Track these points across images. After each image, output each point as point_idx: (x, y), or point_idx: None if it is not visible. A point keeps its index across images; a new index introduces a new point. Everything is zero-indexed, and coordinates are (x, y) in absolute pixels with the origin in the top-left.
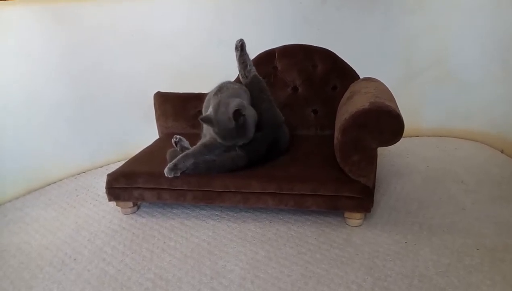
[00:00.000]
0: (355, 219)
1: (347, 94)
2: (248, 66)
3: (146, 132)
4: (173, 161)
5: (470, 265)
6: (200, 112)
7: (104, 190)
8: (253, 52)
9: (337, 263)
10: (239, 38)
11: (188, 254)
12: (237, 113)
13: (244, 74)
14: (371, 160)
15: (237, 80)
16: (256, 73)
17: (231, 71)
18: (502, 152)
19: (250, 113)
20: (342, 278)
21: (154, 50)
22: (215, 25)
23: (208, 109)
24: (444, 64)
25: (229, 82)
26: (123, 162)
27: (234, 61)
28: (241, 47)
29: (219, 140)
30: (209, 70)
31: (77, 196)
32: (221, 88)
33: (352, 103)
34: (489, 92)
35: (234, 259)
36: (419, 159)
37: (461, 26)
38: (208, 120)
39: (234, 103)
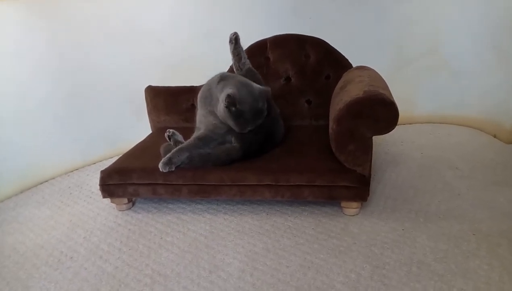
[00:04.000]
0: (351, 208)
1: (340, 83)
2: (243, 58)
3: (138, 127)
4: (168, 155)
5: (467, 251)
6: (192, 105)
7: (98, 187)
8: (243, 44)
9: (335, 253)
10: (228, 29)
11: (186, 249)
12: (270, 95)
13: (239, 66)
14: (367, 148)
15: (230, 71)
16: (251, 66)
17: (221, 63)
18: (494, 137)
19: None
20: (341, 267)
21: (143, 44)
22: (204, 17)
23: (206, 100)
24: (437, 51)
25: (228, 72)
26: (116, 158)
27: (224, 53)
28: (235, 40)
29: (233, 125)
30: (199, 62)
31: (70, 193)
32: (225, 77)
33: (346, 93)
34: (482, 79)
35: (232, 252)
36: (413, 147)
37: (454, 14)
38: (233, 99)
39: (257, 86)
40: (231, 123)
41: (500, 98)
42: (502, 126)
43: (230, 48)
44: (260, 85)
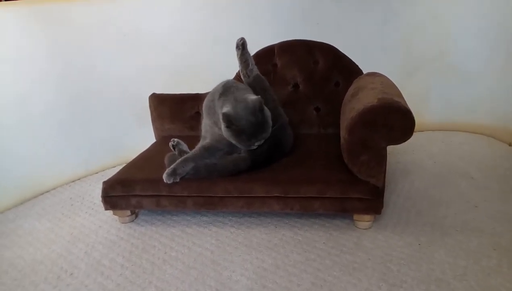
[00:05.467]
0: (364, 221)
1: (351, 90)
2: (250, 65)
3: (142, 136)
4: (172, 166)
5: (488, 267)
6: (197, 113)
7: (100, 198)
8: (250, 50)
9: (349, 270)
10: (234, 35)
11: (191, 265)
12: (262, 104)
13: (246, 73)
14: (381, 159)
15: (236, 78)
16: (259, 73)
17: (227, 70)
18: (510, 145)
19: (267, 110)
20: (356, 286)
21: (148, 50)
22: (210, 23)
23: (211, 110)
24: (447, 56)
25: (233, 81)
26: (119, 167)
27: (230, 59)
28: (242, 45)
29: (238, 143)
30: (204, 69)
31: (72, 205)
32: (227, 89)
33: (359, 100)
34: (494, 84)
35: (240, 268)
36: (425, 155)
37: (464, 17)
38: (228, 117)
39: (252, 97)
40: (234, 142)
41: None
42: None
43: (237, 54)
44: (267, 93)
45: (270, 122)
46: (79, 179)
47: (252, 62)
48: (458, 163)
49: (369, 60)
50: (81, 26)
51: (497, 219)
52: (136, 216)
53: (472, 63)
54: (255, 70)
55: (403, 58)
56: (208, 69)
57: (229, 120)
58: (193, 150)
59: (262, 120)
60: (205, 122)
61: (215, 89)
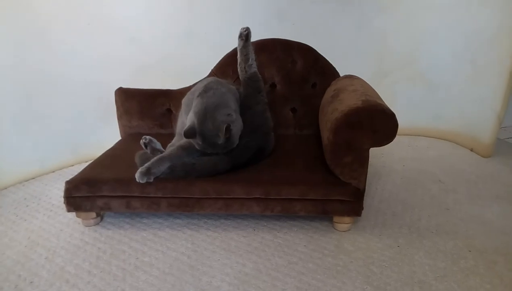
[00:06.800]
0: (344, 223)
1: (330, 92)
2: (250, 60)
3: (105, 133)
4: (146, 165)
5: (466, 268)
6: (168, 110)
7: (59, 198)
8: (226, 47)
9: (333, 273)
10: (208, 31)
11: (167, 270)
12: (228, 131)
13: (244, 68)
14: (363, 161)
15: (211, 75)
16: (257, 70)
17: (200, 66)
18: (471, 150)
19: (238, 126)
20: (341, 289)
21: (115, 41)
22: (182, 16)
23: (189, 108)
24: (415, 63)
25: (216, 81)
26: (78, 166)
27: (204, 55)
28: (246, 36)
29: (199, 148)
30: (175, 64)
31: (27, 206)
32: (207, 90)
33: (341, 102)
34: (459, 92)
35: (220, 273)
36: (394, 159)
37: (433, 26)
38: (192, 135)
39: (222, 119)
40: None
41: (476, 112)
42: (479, 140)
43: (238, 45)
44: (260, 94)
45: (234, 141)
46: (33, 178)
47: (252, 57)
48: (426, 167)
49: (340, 63)
50: (42, 12)
51: (468, 222)
52: (102, 219)
53: (439, 71)
54: (254, 67)
55: (373, 62)
56: (179, 64)
57: (191, 133)
58: (170, 149)
59: (223, 144)
60: (183, 120)
61: (196, 87)
